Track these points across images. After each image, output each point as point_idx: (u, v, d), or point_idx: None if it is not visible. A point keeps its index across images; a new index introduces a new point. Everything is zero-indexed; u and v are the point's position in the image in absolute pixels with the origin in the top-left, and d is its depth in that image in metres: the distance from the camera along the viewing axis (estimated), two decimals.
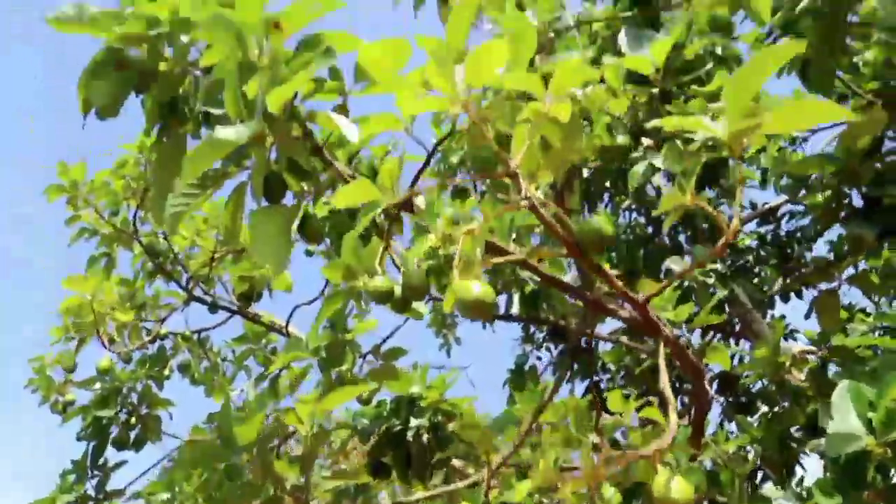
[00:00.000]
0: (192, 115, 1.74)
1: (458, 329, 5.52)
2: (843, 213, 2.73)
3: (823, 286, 3.08)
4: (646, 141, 2.27)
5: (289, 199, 1.67)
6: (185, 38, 1.66)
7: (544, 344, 5.69)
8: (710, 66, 2.47)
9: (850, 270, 3.26)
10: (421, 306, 2.16)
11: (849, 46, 3.33)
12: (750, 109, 1.08)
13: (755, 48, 3.76)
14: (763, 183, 5.08)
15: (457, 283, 1.19)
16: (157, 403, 3.85)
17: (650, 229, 4.42)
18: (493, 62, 1.16)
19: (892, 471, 1.55)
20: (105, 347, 3.84)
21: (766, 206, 4.94)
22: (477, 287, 1.19)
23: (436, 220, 1.28)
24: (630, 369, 4.25)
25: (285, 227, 1.53)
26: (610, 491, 1.87)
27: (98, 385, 3.73)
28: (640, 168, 2.22)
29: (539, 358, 5.85)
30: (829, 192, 2.68)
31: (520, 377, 5.36)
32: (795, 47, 1.04)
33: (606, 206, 4.96)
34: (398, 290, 1.74)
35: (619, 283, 1.23)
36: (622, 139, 2.27)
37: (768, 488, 3.05)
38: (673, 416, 1.25)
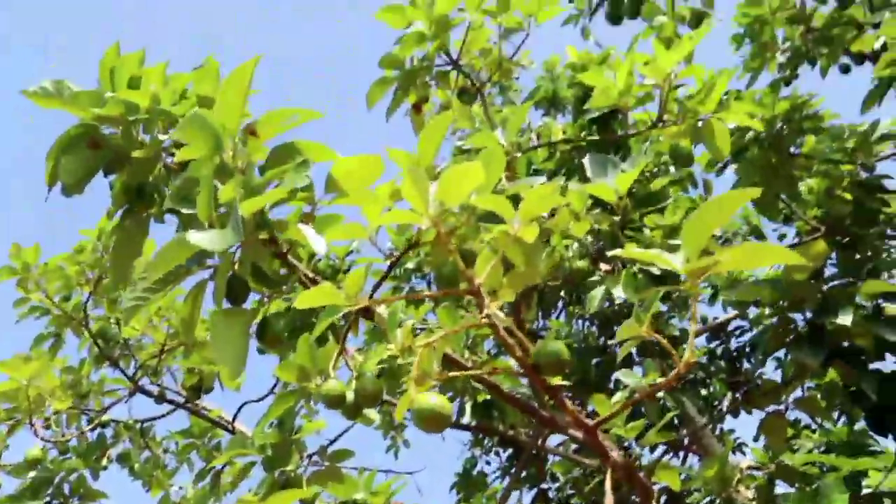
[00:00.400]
0: (160, 200, 1.74)
1: (406, 431, 5.44)
2: (789, 338, 2.81)
3: (771, 408, 3.14)
4: (603, 266, 2.35)
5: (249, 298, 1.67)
6: (162, 133, 1.68)
7: (493, 448, 5.63)
8: (671, 199, 2.59)
9: (798, 392, 3.33)
10: (372, 412, 2.14)
11: (793, 175, 3.53)
12: (707, 247, 1.13)
13: (707, 170, 3.96)
14: (713, 298, 5.21)
15: (413, 395, 1.19)
16: (90, 495, 3.67)
17: (601, 340, 4.47)
18: (466, 183, 1.19)
19: None
20: (36, 436, 3.66)
21: (716, 322, 5.04)
22: (433, 399, 1.19)
23: (396, 331, 1.29)
24: (578, 481, 4.22)
25: (245, 330, 1.53)
26: None
27: (32, 474, 3.55)
28: (597, 293, 2.30)
29: (488, 462, 5.79)
30: (775, 318, 2.76)
31: (468, 482, 5.28)
32: (751, 193, 1.09)
33: (560, 314, 5.02)
34: (350, 396, 1.72)
35: (572, 408, 1.24)
36: (581, 263, 2.35)
37: None
38: None
